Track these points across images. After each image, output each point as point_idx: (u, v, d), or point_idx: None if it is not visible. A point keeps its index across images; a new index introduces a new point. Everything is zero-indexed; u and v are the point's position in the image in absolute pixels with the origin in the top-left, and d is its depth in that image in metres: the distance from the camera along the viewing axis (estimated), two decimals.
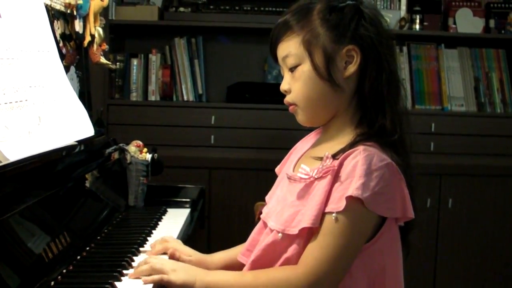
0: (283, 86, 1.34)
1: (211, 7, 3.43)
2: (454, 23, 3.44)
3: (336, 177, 1.23)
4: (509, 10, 3.46)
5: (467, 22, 3.43)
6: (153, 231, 1.72)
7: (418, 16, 3.44)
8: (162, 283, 1.28)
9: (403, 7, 3.50)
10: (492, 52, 3.50)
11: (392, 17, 3.44)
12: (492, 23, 3.46)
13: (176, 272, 1.29)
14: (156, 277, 1.28)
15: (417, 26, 3.45)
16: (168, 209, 1.99)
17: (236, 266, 1.40)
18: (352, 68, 1.28)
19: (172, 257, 1.45)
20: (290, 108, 1.35)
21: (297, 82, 1.31)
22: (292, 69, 1.32)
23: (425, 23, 3.45)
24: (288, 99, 1.34)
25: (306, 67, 1.29)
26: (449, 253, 3.29)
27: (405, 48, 3.47)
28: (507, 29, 3.44)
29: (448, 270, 3.29)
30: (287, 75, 1.34)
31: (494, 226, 3.29)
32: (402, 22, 3.45)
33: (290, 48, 1.31)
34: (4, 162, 1.32)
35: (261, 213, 1.40)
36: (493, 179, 3.28)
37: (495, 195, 3.29)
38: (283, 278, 1.23)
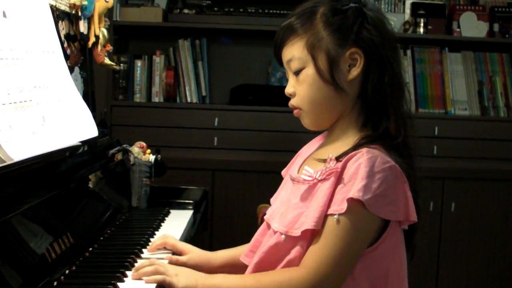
0: (288, 90, 1.35)
1: (215, 9, 3.43)
2: (458, 27, 3.44)
3: (339, 179, 1.23)
4: None
5: (471, 26, 3.43)
6: (156, 232, 1.71)
7: (422, 20, 3.44)
8: (164, 284, 1.28)
9: (407, 10, 3.50)
10: (496, 56, 3.50)
11: (396, 21, 3.44)
12: (496, 27, 3.46)
13: (178, 276, 1.28)
14: (159, 276, 1.28)
15: (421, 30, 3.45)
16: (171, 211, 1.99)
17: (239, 265, 1.40)
18: (355, 71, 1.28)
19: (171, 260, 1.44)
20: (295, 112, 1.35)
21: (301, 86, 1.32)
22: (296, 73, 1.32)
23: (429, 27, 3.45)
24: (292, 102, 1.35)
25: (310, 71, 1.30)
26: (451, 256, 3.28)
27: (409, 52, 3.47)
28: (511, 33, 3.44)
29: (450, 273, 3.28)
30: (291, 79, 1.34)
31: (496, 230, 3.28)
32: (406, 25, 3.45)
33: (294, 52, 1.31)
34: (8, 162, 1.32)
35: (265, 214, 1.40)
36: (496, 183, 3.27)
37: (498, 199, 3.28)
38: (285, 279, 1.23)
